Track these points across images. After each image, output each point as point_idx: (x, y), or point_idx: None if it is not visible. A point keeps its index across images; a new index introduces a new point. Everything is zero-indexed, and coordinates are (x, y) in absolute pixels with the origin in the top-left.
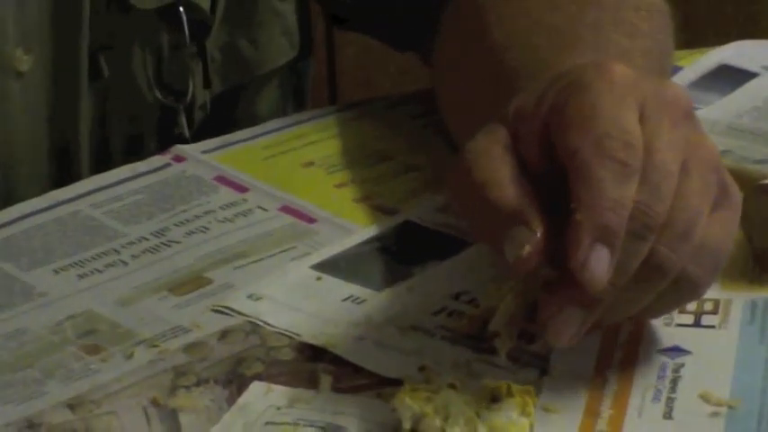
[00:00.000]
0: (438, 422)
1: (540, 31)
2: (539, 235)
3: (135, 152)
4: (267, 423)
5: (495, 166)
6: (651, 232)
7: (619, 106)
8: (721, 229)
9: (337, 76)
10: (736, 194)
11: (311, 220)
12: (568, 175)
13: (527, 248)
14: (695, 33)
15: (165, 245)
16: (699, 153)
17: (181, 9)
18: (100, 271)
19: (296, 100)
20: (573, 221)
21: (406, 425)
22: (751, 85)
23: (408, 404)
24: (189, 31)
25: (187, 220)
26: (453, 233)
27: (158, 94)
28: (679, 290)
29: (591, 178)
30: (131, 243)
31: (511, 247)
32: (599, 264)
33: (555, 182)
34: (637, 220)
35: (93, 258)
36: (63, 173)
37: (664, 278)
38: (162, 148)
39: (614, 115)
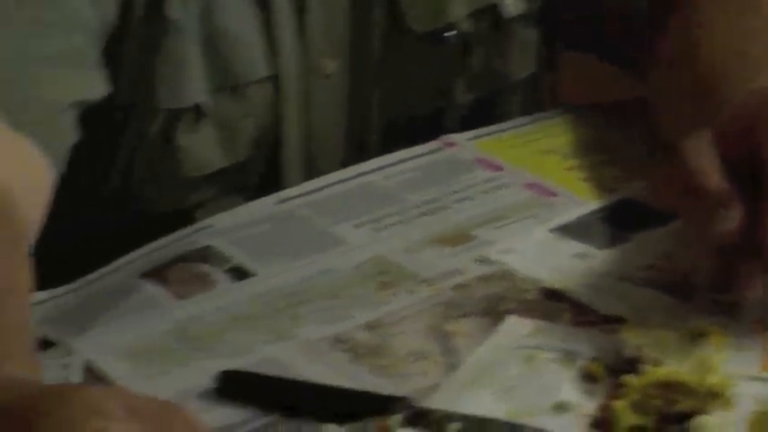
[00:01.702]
0: (654, 352)
1: (746, 37)
2: (736, 215)
3: (405, 138)
4: (517, 347)
5: (705, 159)
6: None
7: None
8: None
9: (560, 85)
10: None
11: (551, 194)
12: (762, 171)
13: (728, 225)
14: None
15: (439, 209)
16: None
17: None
18: (389, 227)
19: (535, 103)
20: (764, 208)
21: (629, 352)
22: None
23: (630, 337)
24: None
25: (455, 191)
26: (661, 209)
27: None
28: None
29: None
30: (413, 207)
31: (716, 223)
32: None
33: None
34: None
35: (385, 217)
36: (354, 151)
37: None
38: (427, 137)
39: None
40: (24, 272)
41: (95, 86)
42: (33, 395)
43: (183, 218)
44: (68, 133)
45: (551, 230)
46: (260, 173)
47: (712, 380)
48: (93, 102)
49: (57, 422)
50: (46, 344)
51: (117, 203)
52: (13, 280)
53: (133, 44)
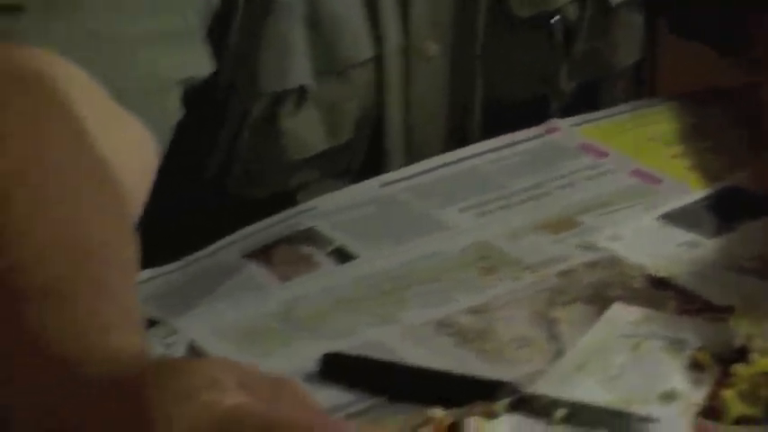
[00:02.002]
0: (763, 343)
1: None
2: None
3: (507, 124)
4: (623, 335)
5: None
6: None
7: None
8: None
9: (664, 71)
10: None
11: (656, 181)
12: None
13: None
14: None
15: (542, 195)
16: None
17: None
18: (492, 212)
19: (637, 90)
20: None
21: (738, 341)
22: None
23: (739, 326)
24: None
25: (559, 177)
26: (766, 197)
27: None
28: None
29: None
30: (516, 192)
31: None
32: None
33: None
34: None
35: (488, 202)
36: (455, 135)
37: None
38: (530, 123)
39: None
40: (130, 246)
41: (203, 63)
42: (143, 367)
43: (286, 200)
44: (174, 111)
45: (658, 218)
46: (362, 156)
47: None
48: (199, 79)
49: (169, 394)
50: (150, 323)
51: (219, 184)
52: (119, 252)
53: (238, 26)
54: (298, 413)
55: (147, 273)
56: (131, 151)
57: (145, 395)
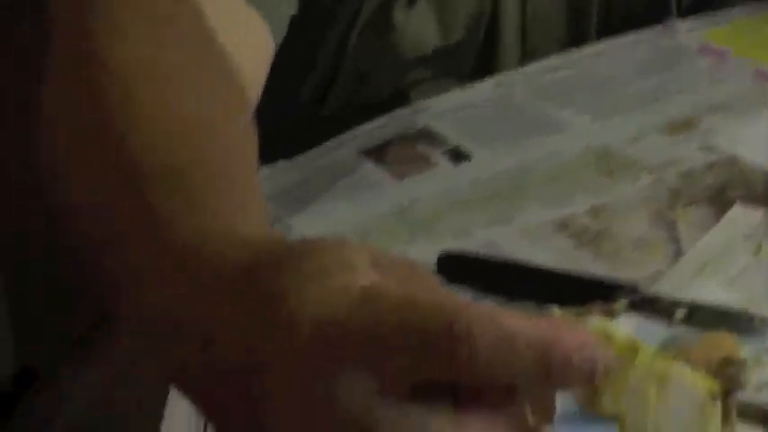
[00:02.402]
0: None
1: None
2: None
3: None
4: (744, 237)
5: None
6: None
7: None
8: None
9: None
10: None
11: None
12: None
13: None
14: None
15: (661, 97)
16: None
17: None
18: (611, 114)
19: None
20: None
21: None
22: None
23: None
24: None
25: (679, 79)
26: None
27: None
28: None
29: None
30: (634, 94)
31: None
32: None
33: None
34: None
35: (606, 104)
36: (571, 36)
37: None
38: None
39: None
40: (252, 139)
41: None
42: (276, 250)
43: (399, 98)
44: (290, 5)
45: None
46: (475, 56)
47: None
48: None
49: (302, 275)
50: None
51: (330, 80)
52: (243, 144)
53: None
54: (435, 296)
55: (264, 171)
56: (251, 45)
57: (277, 278)
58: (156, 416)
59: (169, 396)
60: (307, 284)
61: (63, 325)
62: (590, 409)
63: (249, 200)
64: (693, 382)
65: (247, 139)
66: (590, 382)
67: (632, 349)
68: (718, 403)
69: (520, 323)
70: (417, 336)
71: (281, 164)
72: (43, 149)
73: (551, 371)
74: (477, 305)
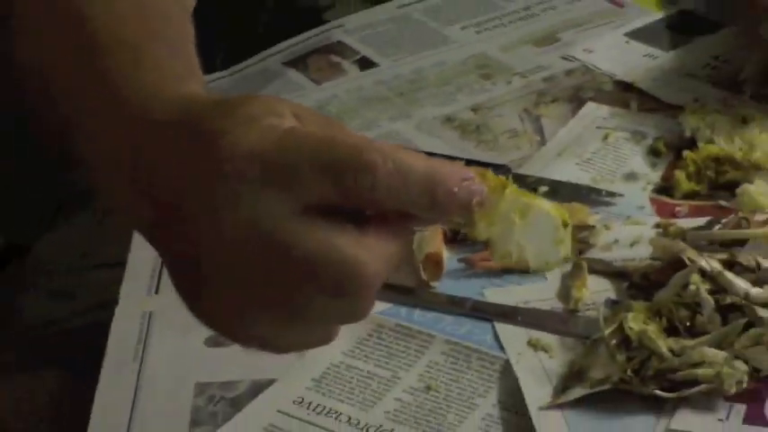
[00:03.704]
0: (708, 132)
1: None
2: None
3: None
4: (595, 127)
5: None
6: None
7: None
8: None
9: None
10: None
11: (620, 5)
12: None
13: None
14: None
15: (530, 15)
16: None
17: None
18: (489, 29)
19: None
20: None
21: (687, 132)
22: None
23: (689, 120)
24: None
25: (543, 1)
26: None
27: None
28: None
29: None
30: (509, 13)
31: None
32: None
33: None
34: None
35: (486, 21)
36: None
37: None
38: None
39: None
40: (189, 24)
41: None
42: (215, 100)
43: (315, 17)
44: None
45: (624, 34)
46: None
47: (756, 155)
48: None
49: (234, 121)
50: None
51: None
52: (185, 25)
53: None
54: (347, 137)
55: (204, 77)
56: None
57: (215, 120)
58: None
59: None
60: (240, 125)
61: (41, 201)
62: (470, 234)
63: (192, 69)
64: (549, 212)
65: (187, 22)
66: (468, 211)
67: (502, 186)
68: (569, 229)
69: (415, 161)
70: (330, 166)
71: (217, 72)
72: (16, 37)
73: (437, 199)
74: (383, 144)
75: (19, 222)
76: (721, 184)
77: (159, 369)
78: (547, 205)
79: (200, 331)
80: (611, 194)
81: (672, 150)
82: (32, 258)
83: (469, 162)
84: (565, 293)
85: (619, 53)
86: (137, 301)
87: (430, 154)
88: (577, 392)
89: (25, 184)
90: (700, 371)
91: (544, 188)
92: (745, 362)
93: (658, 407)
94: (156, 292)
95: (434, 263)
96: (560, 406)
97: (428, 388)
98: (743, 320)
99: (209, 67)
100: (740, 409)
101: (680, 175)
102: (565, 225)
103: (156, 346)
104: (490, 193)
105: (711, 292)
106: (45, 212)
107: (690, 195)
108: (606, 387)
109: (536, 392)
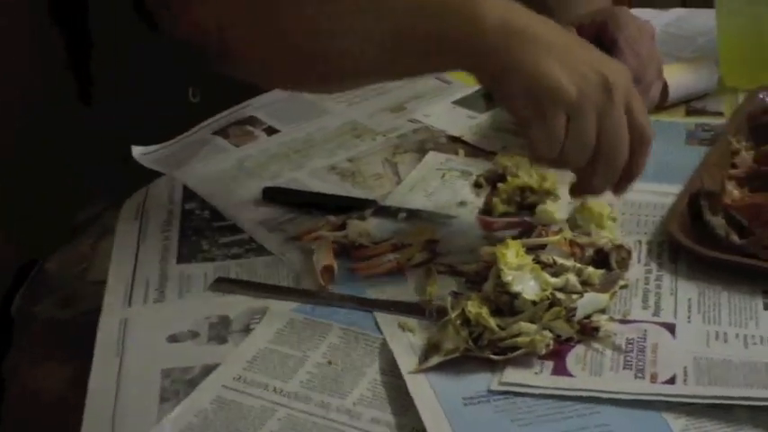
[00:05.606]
0: (514, 169)
1: None
2: None
3: None
4: (436, 169)
5: None
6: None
7: None
8: None
9: None
10: None
11: (447, 83)
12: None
13: None
14: None
15: (386, 91)
16: None
17: None
18: (358, 102)
19: None
20: None
21: (500, 170)
22: None
23: (501, 161)
24: None
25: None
26: None
27: None
28: None
29: None
30: (370, 90)
31: None
32: None
33: None
34: None
35: (355, 96)
36: None
37: None
38: None
39: None
40: None
41: None
42: None
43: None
44: None
45: (452, 102)
46: None
47: (547, 184)
48: None
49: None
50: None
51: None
52: None
53: None
54: None
55: (154, 147)
56: None
57: None
58: None
59: None
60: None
61: (57, 219)
62: None
63: None
64: None
65: None
66: None
67: None
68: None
69: None
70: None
71: (162, 144)
72: None
73: None
74: None
75: (36, 243)
76: (525, 205)
77: (134, 361)
78: None
79: (163, 331)
80: (449, 217)
81: (490, 183)
82: (44, 273)
83: (347, 198)
84: (421, 289)
85: (449, 116)
86: (115, 311)
87: (319, 194)
88: (435, 360)
89: (44, 213)
90: (519, 339)
91: (403, 214)
92: (551, 331)
93: (493, 366)
94: (129, 305)
95: (329, 271)
96: (425, 371)
97: (329, 363)
98: (547, 302)
99: (158, 137)
100: (549, 364)
101: (496, 200)
102: None
103: (131, 343)
104: None
105: None
106: (60, 236)
107: (504, 215)
108: (456, 355)
109: (406, 361)
